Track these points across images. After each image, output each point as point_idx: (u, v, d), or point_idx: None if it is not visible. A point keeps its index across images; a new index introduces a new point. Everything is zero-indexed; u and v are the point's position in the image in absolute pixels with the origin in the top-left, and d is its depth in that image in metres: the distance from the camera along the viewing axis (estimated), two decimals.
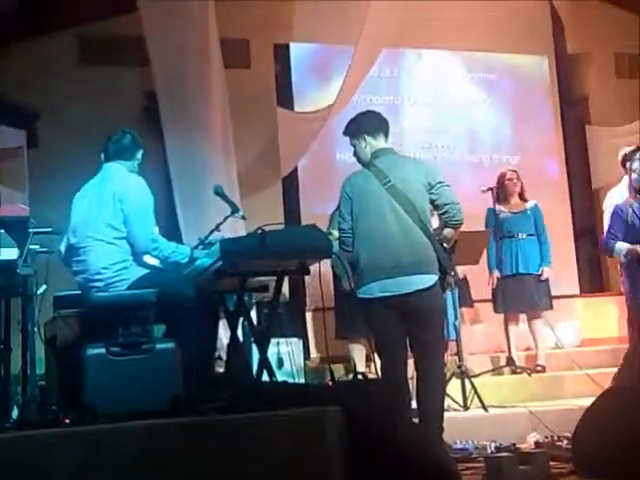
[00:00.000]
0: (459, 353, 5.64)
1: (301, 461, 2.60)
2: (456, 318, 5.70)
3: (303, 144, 7.76)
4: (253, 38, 8.00)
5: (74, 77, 7.35)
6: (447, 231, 4.34)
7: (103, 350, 3.61)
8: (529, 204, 6.70)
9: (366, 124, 4.40)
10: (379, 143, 4.37)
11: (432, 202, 4.28)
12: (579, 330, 7.77)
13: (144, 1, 6.51)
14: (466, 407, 5.42)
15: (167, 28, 6.56)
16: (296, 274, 4.29)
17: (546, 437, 4.63)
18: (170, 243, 4.20)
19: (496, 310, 6.64)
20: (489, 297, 6.71)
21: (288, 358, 5.98)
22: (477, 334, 7.24)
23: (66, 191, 4.45)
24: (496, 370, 6.50)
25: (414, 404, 4.25)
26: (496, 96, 8.80)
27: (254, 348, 4.45)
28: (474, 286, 6.65)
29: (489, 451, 4.37)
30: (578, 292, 8.58)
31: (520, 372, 6.33)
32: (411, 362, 4.32)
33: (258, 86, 7.87)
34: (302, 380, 5.97)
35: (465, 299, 6.33)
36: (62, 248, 4.35)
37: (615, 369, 5.62)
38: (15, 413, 3.90)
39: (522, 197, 6.73)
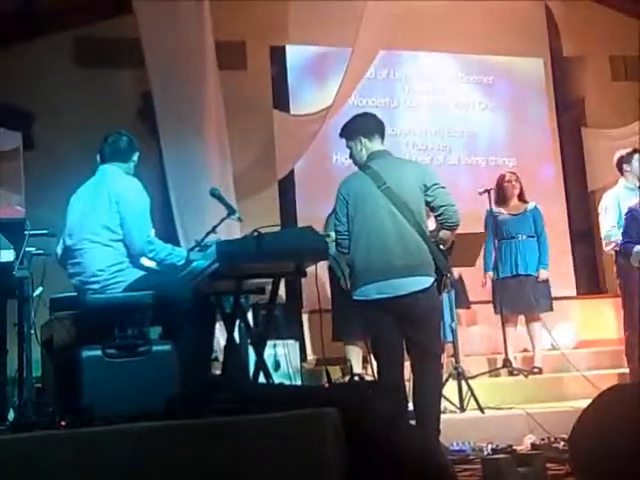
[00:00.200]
0: (455, 355, 5.63)
1: (299, 462, 2.59)
2: (452, 320, 5.69)
3: (299, 146, 7.75)
4: (249, 40, 8.01)
5: (70, 79, 7.36)
6: (443, 233, 4.32)
7: (99, 352, 3.62)
8: (529, 206, 6.67)
9: (362, 126, 4.40)
10: (375, 145, 4.36)
11: (428, 204, 4.27)
12: (575, 332, 7.77)
13: (139, 3, 6.52)
14: (463, 409, 5.41)
15: (163, 30, 6.56)
16: (292, 276, 4.28)
17: (543, 439, 4.62)
18: (166, 245, 4.20)
19: (496, 312, 6.62)
20: (486, 298, 6.70)
21: (285, 360, 5.98)
22: (474, 336, 7.25)
23: (62, 193, 4.45)
24: (493, 372, 6.48)
25: (411, 406, 4.25)
26: (492, 98, 8.81)
27: (251, 350, 4.45)
28: (471, 288, 6.65)
29: (486, 453, 4.36)
30: (574, 294, 8.59)
31: (517, 374, 6.31)
32: (407, 364, 4.32)
33: (254, 88, 7.87)
34: (299, 382, 5.97)
35: (461, 300, 6.31)
36: (58, 250, 4.35)
37: (613, 371, 5.60)
38: (11, 415, 3.91)
39: (521, 199, 6.70)
